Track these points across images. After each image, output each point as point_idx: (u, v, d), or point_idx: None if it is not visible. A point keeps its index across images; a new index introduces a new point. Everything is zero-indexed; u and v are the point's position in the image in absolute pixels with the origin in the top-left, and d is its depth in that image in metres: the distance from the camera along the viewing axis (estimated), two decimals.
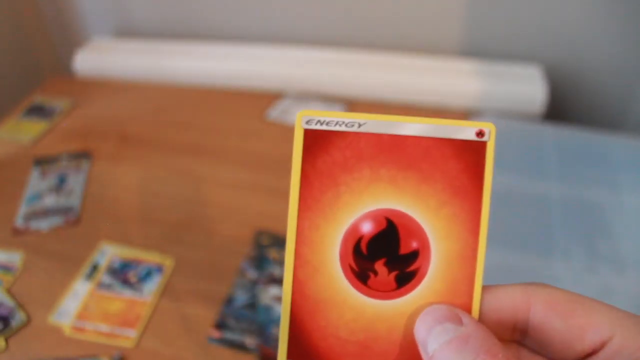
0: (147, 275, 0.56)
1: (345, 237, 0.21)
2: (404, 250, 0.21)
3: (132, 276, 0.56)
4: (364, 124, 0.21)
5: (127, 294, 0.54)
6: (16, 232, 0.63)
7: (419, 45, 0.89)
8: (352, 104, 0.81)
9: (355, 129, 0.21)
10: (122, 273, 0.57)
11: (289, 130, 0.77)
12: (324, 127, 0.23)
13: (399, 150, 0.21)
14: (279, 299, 0.52)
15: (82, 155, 0.74)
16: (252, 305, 0.52)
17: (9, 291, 0.55)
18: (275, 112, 0.81)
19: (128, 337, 0.50)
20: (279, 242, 0.58)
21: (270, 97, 0.84)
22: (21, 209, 0.66)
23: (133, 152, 0.75)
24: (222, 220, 0.62)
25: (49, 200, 0.67)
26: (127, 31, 1.05)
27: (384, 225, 0.21)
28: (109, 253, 0.59)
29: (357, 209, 0.21)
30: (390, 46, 0.89)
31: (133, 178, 0.70)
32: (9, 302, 0.54)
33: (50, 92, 0.90)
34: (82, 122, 0.82)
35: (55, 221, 0.64)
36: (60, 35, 1.11)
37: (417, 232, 0.21)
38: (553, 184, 0.61)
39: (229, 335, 0.49)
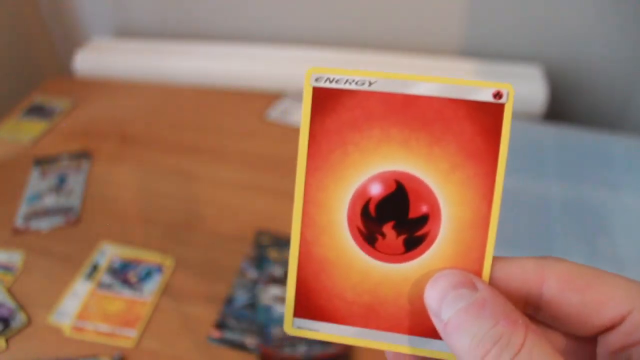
0: (147, 275, 0.56)
1: (353, 198, 0.20)
2: (413, 213, 0.20)
3: (132, 276, 0.56)
4: (375, 82, 0.20)
5: (127, 294, 0.54)
6: (16, 232, 0.63)
7: (419, 45, 0.89)
8: None
9: (365, 87, 0.20)
10: (122, 273, 0.57)
11: (289, 130, 0.77)
12: (333, 85, 0.21)
13: (411, 110, 0.20)
14: (279, 299, 0.52)
15: (82, 155, 0.74)
16: (252, 305, 0.52)
17: (9, 291, 0.55)
18: (275, 112, 0.81)
19: (128, 337, 0.50)
20: (279, 242, 0.58)
21: (270, 97, 0.84)
22: (21, 209, 0.66)
23: (133, 152, 0.75)
24: (222, 220, 0.62)
25: (49, 200, 0.67)
26: (127, 31, 1.05)
27: (393, 187, 0.20)
28: (109, 253, 0.59)
29: (366, 170, 0.20)
30: (390, 46, 0.89)
31: (133, 178, 0.70)
32: (9, 302, 0.54)
33: (50, 92, 0.90)
34: (82, 122, 0.82)
35: (55, 221, 0.64)
36: (60, 35, 1.11)
37: (428, 195, 0.20)
38: (553, 184, 0.61)
39: (229, 335, 0.49)
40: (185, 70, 0.90)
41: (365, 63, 0.85)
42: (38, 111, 0.85)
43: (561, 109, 0.87)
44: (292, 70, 0.85)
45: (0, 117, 0.85)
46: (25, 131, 0.81)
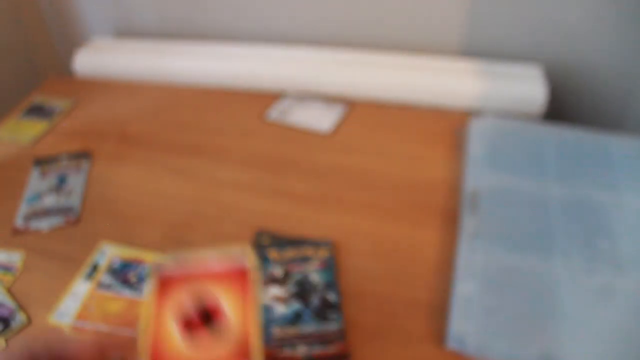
0: (147, 275, 0.56)
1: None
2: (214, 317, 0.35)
3: (132, 276, 0.56)
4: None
5: (127, 294, 0.54)
6: (16, 232, 0.63)
7: (419, 45, 0.89)
8: (352, 104, 0.81)
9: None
10: (122, 273, 0.57)
11: (289, 130, 0.77)
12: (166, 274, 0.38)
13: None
14: (279, 298, 0.52)
15: (82, 155, 0.74)
16: None
17: (9, 291, 0.55)
18: (275, 112, 0.81)
19: (128, 337, 0.50)
20: (279, 242, 0.58)
21: (270, 97, 0.84)
22: (21, 209, 0.66)
23: (133, 152, 0.75)
24: (222, 220, 0.62)
25: (49, 200, 0.67)
26: (127, 31, 1.05)
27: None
28: (109, 253, 0.59)
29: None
30: (390, 46, 0.89)
31: (133, 178, 0.70)
32: (9, 302, 0.54)
33: (50, 92, 0.90)
34: (82, 122, 0.82)
35: (55, 221, 0.64)
36: (60, 35, 1.11)
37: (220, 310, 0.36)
38: (553, 184, 0.61)
39: None
40: (185, 70, 0.90)
41: (366, 63, 0.85)
42: (38, 111, 0.85)
43: (561, 109, 0.87)
44: (292, 70, 0.85)
45: (0, 117, 0.85)
46: (25, 131, 0.81)
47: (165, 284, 0.36)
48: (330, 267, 0.55)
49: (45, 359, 0.34)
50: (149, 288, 0.37)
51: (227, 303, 0.35)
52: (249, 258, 0.37)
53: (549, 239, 0.55)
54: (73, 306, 0.53)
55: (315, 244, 0.58)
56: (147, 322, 0.34)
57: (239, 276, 0.36)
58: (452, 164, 0.68)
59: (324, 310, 0.51)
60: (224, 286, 0.36)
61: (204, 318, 0.34)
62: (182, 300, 0.35)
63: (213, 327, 0.34)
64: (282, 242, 0.58)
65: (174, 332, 0.34)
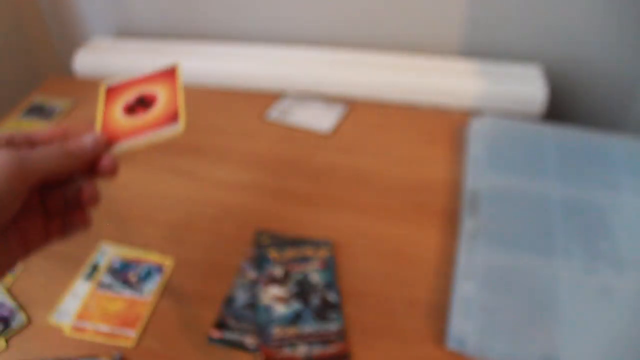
0: (147, 275, 0.56)
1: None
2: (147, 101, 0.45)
3: (132, 276, 0.56)
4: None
5: (127, 294, 0.54)
6: None
7: (419, 45, 0.89)
8: (352, 104, 0.81)
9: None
10: (122, 273, 0.57)
11: (289, 131, 0.77)
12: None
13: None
14: (279, 298, 0.52)
15: None
16: (252, 305, 0.52)
17: (9, 291, 0.55)
18: (275, 112, 0.81)
19: (128, 337, 0.50)
20: (279, 242, 0.58)
21: (270, 97, 0.84)
22: None
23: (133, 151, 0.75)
24: (222, 220, 0.62)
25: None
26: (128, 31, 1.05)
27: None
28: (109, 253, 0.59)
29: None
30: (390, 46, 0.89)
31: (133, 178, 0.70)
32: (9, 302, 0.54)
33: (50, 92, 0.90)
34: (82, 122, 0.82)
35: None
36: (60, 35, 1.11)
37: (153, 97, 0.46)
38: (553, 184, 0.61)
39: (229, 335, 0.49)
40: (185, 70, 0.89)
41: (366, 63, 0.85)
42: (38, 111, 0.85)
43: (561, 109, 0.87)
44: (292, 70, 0.85)
45: (0, 117, 0.85)
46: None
47: (114, 90, 0.47)
48: (330, 267, 0.55)
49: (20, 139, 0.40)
50: (99, 101, 0.47)
51: (160, 92, 0.46)
52: (177, 65, 0.48)
53: (549, 239, 0.55)
54: (73, 306, 0.53)
55: (315, 244, 0.58)
56: (100, 112, 0.46)
57: (169, 75, 0.48)
58: (452, 164, 0.68)
59: (324, 310, 0.51)
60: (157, 83, 0.47)
61: (141, 103, 0.46)
62: (125, 96, 0.47)
63: (149, 108, 0.45)
64: (282, 242, 0.58)
65: (119, 114, 0.45)
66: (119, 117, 0.45)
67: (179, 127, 0.43)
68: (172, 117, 0.44)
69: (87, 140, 0.42)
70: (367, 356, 0.47)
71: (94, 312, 0.53)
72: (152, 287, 0.55)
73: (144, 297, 0.54)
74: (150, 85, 0.47)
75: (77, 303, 0.54)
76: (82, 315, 0.52)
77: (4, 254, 0.39)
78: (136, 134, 0.44)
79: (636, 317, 0.48)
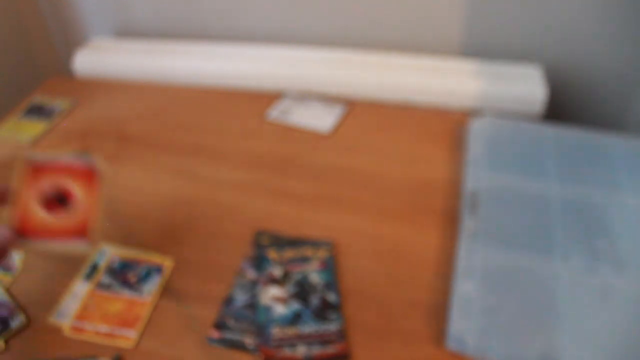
0: (147, 275, 0.56)
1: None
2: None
3: (131, 276, 0.56)
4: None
5: (127, 294, 0.54)
6: None
7: (419, 45, 0.89)
8: (352, 104, 0.81)
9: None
10: (121, 273, 0.57)
11: (289, 130, 0.77)
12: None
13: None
14: (278, 299, 0.52)
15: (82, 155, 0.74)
16: (252, 305, 0.52)
17: (8, 291, 0.55)
18: (275, 112, 0.81)
19: (128, 337, 0.50)
20: (279, 242, 0.58)
21: (270, 97, 0.84)
22: None
23: (133, 152, 0.75)
24: (222, 220, 0.62)
25: None
26: (127, 31, 1.05)
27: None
28: (109, 253, 0.59)
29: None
30: (390, 46, 0.89)
31: (133, 178, 0.70)
32: (8, 302, 0.54)
33: (50, 92, 0.90)
34: (82, 122, 0.82)
35: None
36: (60, 35, 1.11)
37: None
38: (553, 184, 0.61)
39: (228, 336, 0.49)
40: (185, 70, 0.90)
41: (366, 63, 0.85)
42: (38, 111, 0.85)
43: (561, 109, 0.87)
44: (292, 70, 0.85)
45: (0, 117, 0.85)
46: (25, 131, 0.81)
47: (36, 169, 0.47)
48: (330, 267, 0.55)
49: None
50: (18, 172, 0.47)
51: (79, 191, 0.47)
52: (100, 162, 0.49)
53: (548, 239, 0.55)
54: (72, 306, 0.53)
55: (315, 244, 0.58)
56: (16, 198, 0.46)
57: (89, 174, 0.48)
58: (452, 164, 0.68)
59: (324, 311, 0.51)
60: (79, 178, 0.47)
61: (59, 199, 0.46)
62: (44, 185, 0.46)
63: (66, 206, 0.46)
64: (282, 242, 0.58)
65: (35, 208, 0.45)
66: (34, 207, 0.46)
67: (86, 246, 0.44)
68: (82, 232, 0.44)
69: None
70: (367, 356, 0.47)
71: (94, 312, 0.53)
72: (151, 287, 0.55)
73: (144, 297, 0.54)
74: (71, 178, 0.47)
75: (77, 303, 0.54)
76: (81, 316, 0.52)
77: None
78: (45, 236, 0.45)
79: (636, 317, 0.48)
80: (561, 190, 0.60)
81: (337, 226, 0.60)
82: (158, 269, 0.56)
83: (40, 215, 0.45)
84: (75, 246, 0.44)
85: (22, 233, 0.44)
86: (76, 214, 0.46)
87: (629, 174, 0.61)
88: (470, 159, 0.66)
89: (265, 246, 0.58)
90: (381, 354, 0.47)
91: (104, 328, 0.51)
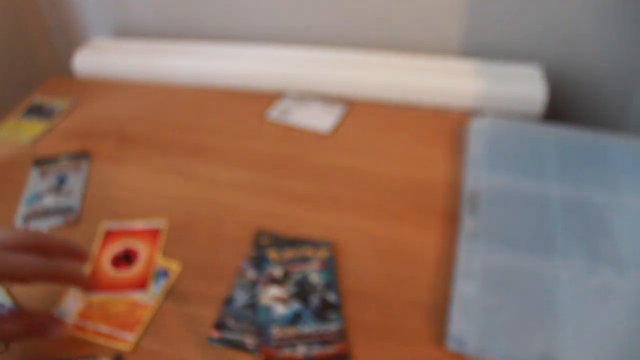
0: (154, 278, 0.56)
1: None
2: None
3: None
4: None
5: (129, 295, 0.54)
6: None
7: (419, 45, 0.89)
8: (352, 104, 0.81)
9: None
10: None
11: (289, 130, 0.77)
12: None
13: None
14: (278, 299, 0.52)
15: (82, 156, 0.74)
16: (252, 305, 0.52)
17: (9, 291, 0.55)
18: (275, 112, 0.81)
19: (126, 340, 0.50)
20: (279, 242, 0.58)
21: (270, 97, 0.84)
22: (21, 209, 0.66)
23: (133, 152, 0.75)
24: (222, 220, 0.62)
25: (49, 201, 0.67)
26: (127, 31, 1.05)
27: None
28: None
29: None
30: (390, 46, 0.89)
31: (133, 178, 0.70)
32: (9, 302, 0.54)
33: (50, 92, 0.90)
34: (82, 122, 0.82)
35: (55, 221, 0.64)
36: (60, 35, 1.11)
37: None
38: (553, 184, 0.61)
39: (228, 336, 0.49)
40: (185, 70, 0.90)
41: (365, 63, 0.85)
42: (38, 111, 0.85)
43: (561, 109, 0.87)
44: (292, 70, 0.85)
45: (0, 117, 0.85)
46: (24, 131, 0.81)
47: (111, 234, 0.60)
48: (330, 267, 0.55)
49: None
50: (97, 237, 0.60)
51: (143, 249, 0.58)
52: (162, 224, 0.61)
53: (549, 239, 0.55)
54: (74, 307, 0.53)
55: (315, 244, 0.58)
56: (95, 253, 0.58)
57: (153, 234, 0.60)
58: (452, 164, 0.68)
59: (324, 311, 0.51)
60: (143, 238, 0.59)
61: (126, 257, 0.57)
62: (116, 244, 0.59)
63: (130, 264, 0.57)
64: (282, 242, 0.58)
65: (106, 264, 0.57)
66: (105, 266, 0.57)
67: (145, 294, 0.54)
68: (142, 284, 0.55)
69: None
70: (367, 356, 0.47)
71: (95, 312, 0.53)
72: (157, 290, 0.55)
73: (148, 300, 0.54)
74: (137, 240, 0.59)
75: (78, 304, 0.54)
76: (83, 316, 0.52)
77: None
78: (111, 289, 0.54)
79: (636, 317, 0.48)
80: (561, 190, 0.60)
81: (337, 226, 0.60)
82: (164, 273, 0.56)
83: (109, 272, 0.56)
84: (135, 295, 0.53)
85: (91, 287, 0.54)
86: (138, 269, 0.56)
87: (629, 174, 0.61)
88: (470, 159, 0.66)
89: (265, 246, 0.58)
90: (381, 354, 0.47)
91: (104, 328, 0.51)
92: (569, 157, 0.64)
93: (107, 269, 0.56)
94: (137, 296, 0.53)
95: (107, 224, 0.61)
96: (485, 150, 0.67)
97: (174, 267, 0.57)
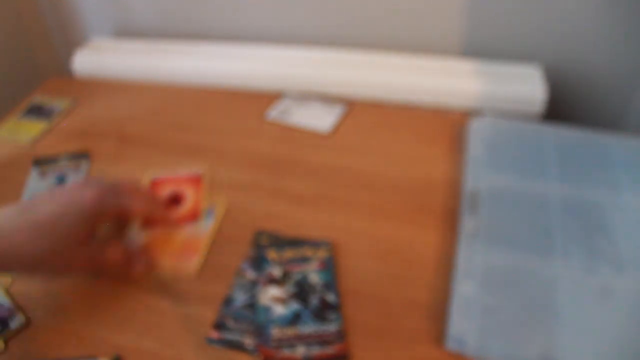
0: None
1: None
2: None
3: None
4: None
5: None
6: None
7: (419, 45, 0.89)
8: (352, 104, 0.81)
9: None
10: None
11: (289, 130, 0.77)
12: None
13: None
14: (278, 299, 0.52)
15: (82, 156, 0.74)
16: (252, 305, 0.52)
17: (7, 292, 0.55)
18: (275, 112, 0.81)
19: (191, 263, 0.56)
20: (279, 242, 0.58)
21: (270, 97, 0.84)
22: None
23: (133, 152, 0.75)
24: (222, 221, 0.62)
25: None
26: (127, 31, 1.05)
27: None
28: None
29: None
30: (390, 46, 0.89)
31: (133, 178, 0.70)
32: (8, 302, 0.54)
33: (49, 92, 0.90)
34: (82, 122, 0.82)
35: None
36: (60, 35, 1.11)
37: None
38: (553, 184, 0.61)
39: (228, 336, 0.49)
40: (185, 70, 0.90)
41: (365, 63, 0.85)
42: (37, 111, 0.85)
43: (561, 109, 0.87)
44: (292, 70, 0.85)
45: (0, 117, 0.85)
46: (24, 131, 0.81)
47: (154, 184, 0.66)
48: (330, 267, 0.55)
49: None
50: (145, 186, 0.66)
51: (189, 192, 0.64)
52: (203, 169, 0.68)
53: (548, 239, 0.55)
54: (136, 241, 0.56)
55: (315, 244, 0.58)
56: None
57: (196, 179, 0.66)
58: (452, 164, 0.68)
59: (323, 311, 0.51)
60: (187, 185, 0.65)
61: (173, 200, 0.63)
62: (162, 192, 0.64)
63: (179, 204, 0.62)
64: (282, 242, 0.58)
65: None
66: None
67: (198, 226, 0.60)
68: (194, 216, 0.61)
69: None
70: (367, 356, 0.47)
71: (158, 245, 0.57)
72: (208, 223, 0.60)
73: (203, 230, 0.59)
74: (181, 185, 0.65)
75: (140, 238, 0.57)
76: (146, 248, 0.56)
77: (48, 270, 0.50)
78: (167, 225, 0.59)
79: (636, 317, 0.48)
80: (561, 190, 0.60)
81: (336, 226, 0.60)
82: (211, 211, 0.63)
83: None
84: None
85: (149, 224, 0.59)
86: (187, 207, 0.62)
87: (629, 174, 0.61)
88: (470, 159, 0.66)
89: (264, 246, 0.58)
90: (381, 354, 0.47)
91: (167, 258, 0.56)
92: (569, 157, 0.64)
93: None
94: (192, 228, 0.59)
95: (152, 173, 0.67)
96: (485, 150, 0.67)
97: (220, 202, 0.64)
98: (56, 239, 0.47)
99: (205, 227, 0.61)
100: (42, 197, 0.49)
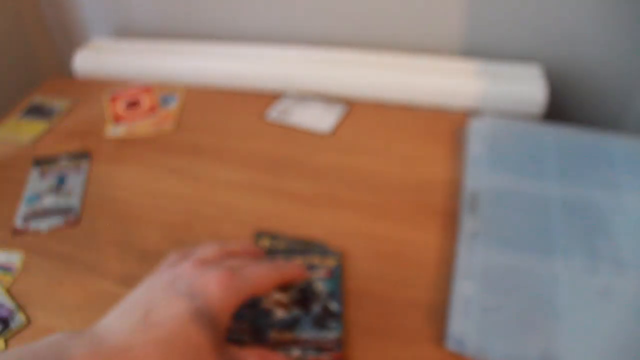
0: None
1: None
2: None
3: None
4: None
5: None
6: (16, 232, 0.63)
7: (419, 45, 0.89)
8: (352, 104, 0.81)
9: None
10: None
11: (289, 131, 0.77)
12: None
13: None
14: (280, 304, 0.52)
15: (82, 156, 0.74)
16: (252, 306, 0.52)
17: (8, 292, 0.55)
18: (275, 112, 0.81)
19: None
20: (288, 249, 0.58)
21: (270, 97, 0.84)
22: (20, 209, 0.66)
23: (133, 152, 0.75)
24: (222, 220, 0.62)
25: (49, 201, 0.67)
26: (127, 31, 1.05)
27: None
28: None
29: None
30: (390, 46, 0.89)
31: (133, 178, 0.70)
32: (8, 303, 0.54)
33: (50, 92, 0.90)
34: (82, 122, 0.82)
35: (55, 221, 0.64)
36: (60, 35, 1.11)
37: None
38: (553, 184, 0.61)
39: (228, 337, 0.49)
40: (185, 70, 0.90)
41: (365, 63, 0.85)
42: (37, 111, 0.85)
43: (561, 109, 0.87)
44: (292, 70, 0.85)
45: (0, 117, 0.85)
46: (24, 131, 0.81)
47: (114, 99, 0.77)
48: (337, 276, 0.54)
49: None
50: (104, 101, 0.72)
51: (143, 98, 0.76)
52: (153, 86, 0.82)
53: (549, 239, 0.55)
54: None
55: (324, 252, 0.57)
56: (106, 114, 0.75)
57: (147, 89, 0.82)
58: (452, 164, 0.68)
59: (324, 319, 0.50)
60: (141, 94, 0.80)
61: (131, 105, 0.72)
62: (119, 103, 0.78)
63: (136, 106, 0.72)
64: (292, 250, 0.58)
65: (121, 110, 0.75)
66: (120, 111, 0.75)
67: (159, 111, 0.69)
68: (153, 110, 0.69)
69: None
70: (367, 356, 0.47)
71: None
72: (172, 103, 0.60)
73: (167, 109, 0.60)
74: (136, 96, 0.73)
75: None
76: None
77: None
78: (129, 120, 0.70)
79: (636, 317, 0.48)
80: (561, 190, 0.60)
81: (336, 226, 0.60)
82: (172, 98, 0.71)
83: (123, 113, 0.75)
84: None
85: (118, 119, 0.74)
86: (145, 106, 0.73)
87: (629, 173, 0.61)
88: (470, 159, 0.66)
89: (264, 246, 0.58)
90: (381, 354, 0.47)
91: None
92: (569, 157, 0.64)
93: (123, 112, 0.79)
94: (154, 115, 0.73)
95: (109, 91, 0.80)
96: (485, 150, 0.67)
97: (180, 90, 0.72)
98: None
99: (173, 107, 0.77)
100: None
